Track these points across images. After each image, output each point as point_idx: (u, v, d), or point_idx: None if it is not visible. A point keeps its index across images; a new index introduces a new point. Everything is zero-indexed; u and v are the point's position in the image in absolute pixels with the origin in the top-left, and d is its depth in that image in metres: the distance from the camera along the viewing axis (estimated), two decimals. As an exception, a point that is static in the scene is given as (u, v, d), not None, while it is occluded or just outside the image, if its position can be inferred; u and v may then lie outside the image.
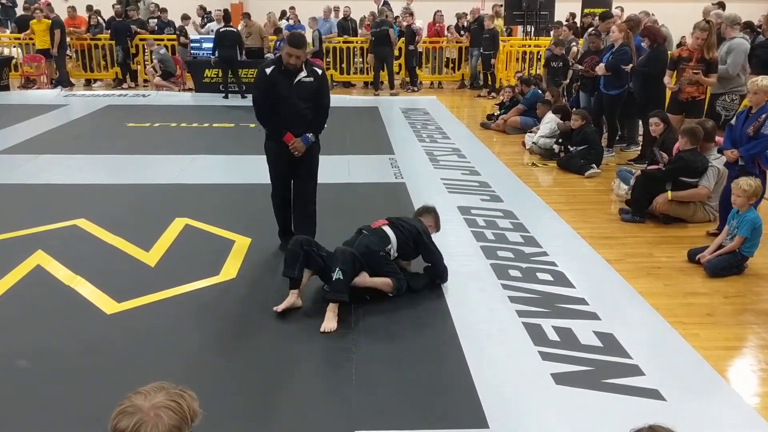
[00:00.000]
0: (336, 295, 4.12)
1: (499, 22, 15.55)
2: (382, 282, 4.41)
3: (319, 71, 5.04)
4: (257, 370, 3.62)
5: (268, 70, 4.90)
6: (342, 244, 4.47)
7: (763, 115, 5.42)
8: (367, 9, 16.43)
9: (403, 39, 14.76)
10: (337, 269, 4.14)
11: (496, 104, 11.95)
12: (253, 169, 7.80)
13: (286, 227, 5.37)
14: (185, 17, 15.72)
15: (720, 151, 5.87)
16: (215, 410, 3.23)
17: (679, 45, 7.92)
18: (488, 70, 14.65)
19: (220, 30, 13.23)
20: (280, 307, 4.19)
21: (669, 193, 5.95)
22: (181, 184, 7.25)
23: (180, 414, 1.65)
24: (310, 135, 5.05)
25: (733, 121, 5.86)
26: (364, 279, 4.35)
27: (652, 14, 10.55)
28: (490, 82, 14.64)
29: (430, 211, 5.00)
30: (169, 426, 1.62)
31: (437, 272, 4.68)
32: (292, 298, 4.24)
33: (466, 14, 15.73)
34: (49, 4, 15.34)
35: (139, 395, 1.65)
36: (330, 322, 4.04)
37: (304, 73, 4.90)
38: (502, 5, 16.16)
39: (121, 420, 1.60)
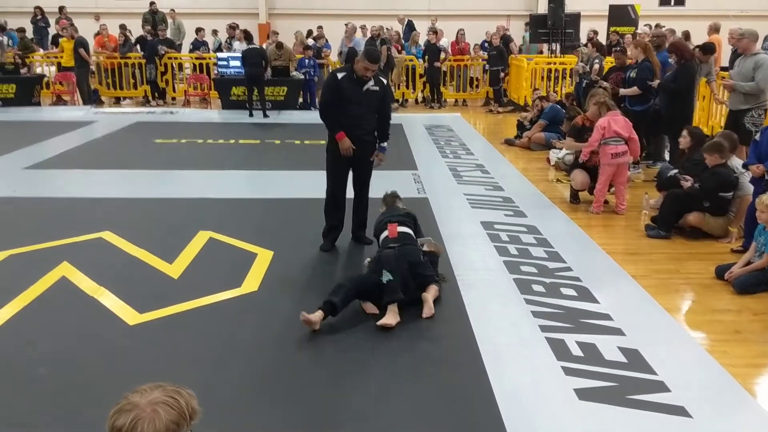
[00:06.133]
0: (392, 296, 4.27)
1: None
2: (434, 292, 4.54)
3: (384, 81, 5.49)
4: (276, 381, 3.61)
5: (339, 75, 5.31)
6: (374, 260, 4.67)
7: (787, 129, 5.35)
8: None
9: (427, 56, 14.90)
10: (384, 272, 4.34)
11: (525, 121, 11.80)
12: (277, 184, 7.89)
13: (332, 227, 5.64)
14: (198, 30, 16.26)
15: (745, 167, 5.77)
16: (235, 421, 3.23)
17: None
18: (495, 86, 14.93)
19: (245, 48, 13.43)
20: (309, 316, 4.09)
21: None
22: (206, 198, 7.30)
23: (177, 410, 1.64)
24: (384, 144, 5.63)
25: (757, 137, 5.77)
26: (428, 297, 4.45)
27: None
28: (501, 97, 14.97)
29: (396, 196, 5.45)
30: (166, 421, 1.61)
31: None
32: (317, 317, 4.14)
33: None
34: (72, 24, 15.67)
35: (136, 393, 1.65)
36: (390, 318, 4.15)
37: (371, 83, 5.29)
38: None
39: (119, 418, 1.60)
